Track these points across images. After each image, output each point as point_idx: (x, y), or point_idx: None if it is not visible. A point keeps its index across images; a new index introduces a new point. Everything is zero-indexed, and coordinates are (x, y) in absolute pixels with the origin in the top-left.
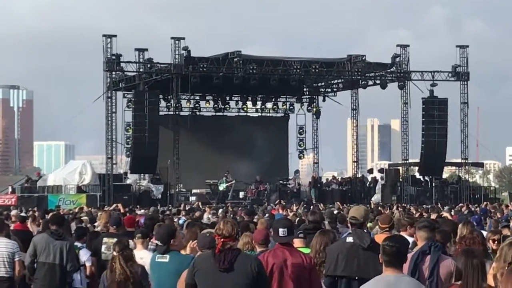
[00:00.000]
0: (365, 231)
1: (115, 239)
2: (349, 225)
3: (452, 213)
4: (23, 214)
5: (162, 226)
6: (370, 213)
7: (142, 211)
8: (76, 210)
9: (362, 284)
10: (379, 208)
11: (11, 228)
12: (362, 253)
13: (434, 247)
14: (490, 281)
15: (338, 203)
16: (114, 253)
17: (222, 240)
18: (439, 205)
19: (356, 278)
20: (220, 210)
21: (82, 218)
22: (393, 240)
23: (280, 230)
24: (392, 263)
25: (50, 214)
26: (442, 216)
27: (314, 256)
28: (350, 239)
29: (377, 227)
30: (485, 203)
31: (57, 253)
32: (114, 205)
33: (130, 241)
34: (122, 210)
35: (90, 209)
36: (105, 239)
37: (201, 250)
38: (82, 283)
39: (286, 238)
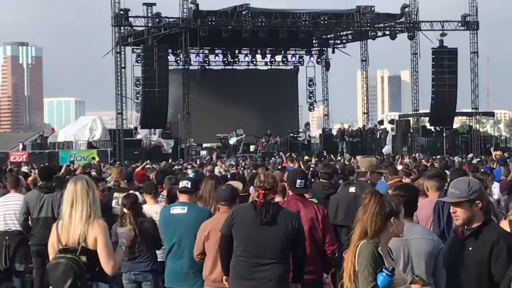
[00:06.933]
0: (368, 182)
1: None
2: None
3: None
4: (25, 170)
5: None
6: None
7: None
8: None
9: None
10: (390, 158)
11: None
12: None
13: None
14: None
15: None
16: (125, 210)
17: (263, 192)
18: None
19: None
20: (228, 163)
21: (91, 173)
22: (403, 190)
23: (298, 181)
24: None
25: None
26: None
27: None
28: (352, 189)
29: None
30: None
31: (49, 207)
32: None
33: (138, 194)
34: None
35: (98, 161)
36: (115, 194)
37: (218, 203)
38: None
39: (302, 189)
